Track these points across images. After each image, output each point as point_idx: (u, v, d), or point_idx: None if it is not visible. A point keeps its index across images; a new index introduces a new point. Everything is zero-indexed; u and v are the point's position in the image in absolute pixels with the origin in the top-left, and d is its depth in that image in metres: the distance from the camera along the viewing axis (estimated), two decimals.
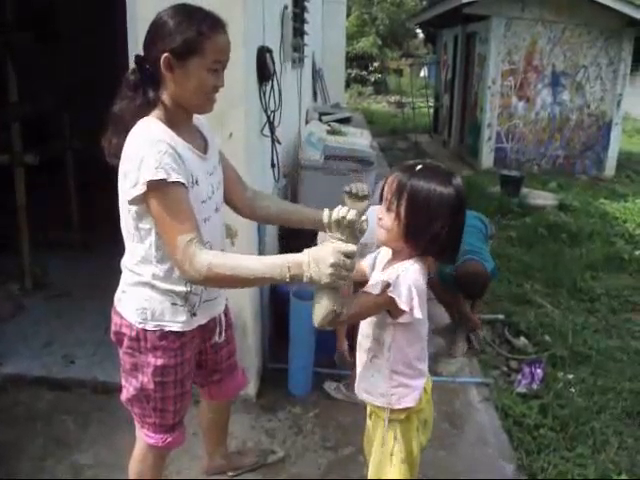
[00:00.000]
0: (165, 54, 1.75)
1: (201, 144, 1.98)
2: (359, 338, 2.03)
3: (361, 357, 2.03)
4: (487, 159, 11.14)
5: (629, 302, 5.25)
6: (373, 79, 27.79)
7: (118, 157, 1.81)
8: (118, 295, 2.03)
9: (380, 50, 28.21)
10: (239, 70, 2.76)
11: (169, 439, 2.15)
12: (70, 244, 5.13)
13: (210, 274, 1.68)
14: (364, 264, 2.07)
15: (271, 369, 3.58)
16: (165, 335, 1.96)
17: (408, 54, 28.90)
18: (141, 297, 1.94)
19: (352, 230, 1.67)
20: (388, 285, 1.76)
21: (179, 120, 1.87)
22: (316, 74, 8.69)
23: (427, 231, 1.76)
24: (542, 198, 8.59)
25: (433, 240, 1.76)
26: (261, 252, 3.32)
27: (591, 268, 5.99)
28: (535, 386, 3.69)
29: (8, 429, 3.06)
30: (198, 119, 2.04)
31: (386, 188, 1.83)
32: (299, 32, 5.31)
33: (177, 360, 2.01)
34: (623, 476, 2.96)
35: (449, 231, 1.77)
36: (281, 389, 3.47)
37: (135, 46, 2.82)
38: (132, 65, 1.90)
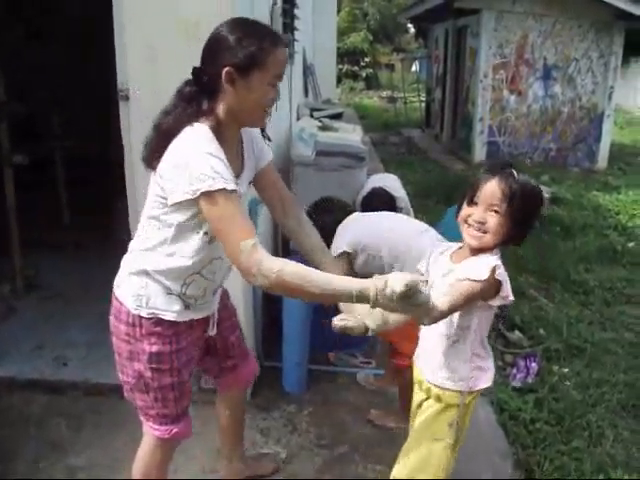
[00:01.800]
0: (227, 68, 1.76)
1: (238, 166, 1.97)
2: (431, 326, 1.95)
3: (437, 344, 2.03)
4: (479, 153, 11.15)
5: (623, 294, 5.26)
6: (365, 74, 27.79)
7: (156, 163, 1.82)
8: (117, 281, 2.05)
9: (371, 45, 28.21)
10: None
11: (175, 430, 2.15)
12: (61, 244, 5.09)
13: (279, 281, 1.68)
14: (419, 268, 2.13)
15: (265, 367, 3.56)
16: (159, 322, 1.98)
17: (399, 49, 28.91)
18: (138, 284, 1.97)
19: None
20: (494, 269, 1.83)
21: (227, 135, 1.88)
22: (307, 70, 8.64)
23: (529, 228, 1.94)
24: None
25: (527, 233, 1.95)
26: None
27: (584, 260, 6.00)
28: (530, 380, 3.69)
29: (0, 433, 3.03)
30: (250, 133, 2.07)
31: (488, 193, 1.87)
32: (289, 28, 5.27)
33: (172, 347, 2.02)
34: (619, 470, 2.95)
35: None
36: (276, 387, 3.45)
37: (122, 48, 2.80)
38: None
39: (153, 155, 1.83)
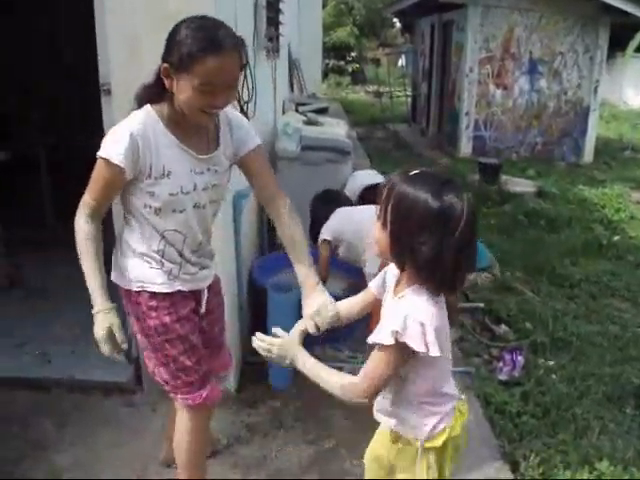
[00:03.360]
0: (164, 64, 1.87)
1: (203, 145, 2.08)
2: None
3: (386, 393, 1.82)
4: (466, 147, 11.18)
5: (608, 287, 5.28)
6: (351, 69, 27.74)
7: None
8: (113, 269, 2.21)
9: (357, 40, 28.15)
10: None
11: (204, 393, 2.25)
12: (45, 242, 5.04)
13: (76, 235, 2.13)
14: (372, 286, 1.94)
15: (251, 363, 3.54)
16: (153, 295, 2.12)
17: (385, 44, 28.88)
18: (123, 262, 2.16)
19: None
20: (396, 332, 1.58)
21: (182, 120, 1.98)
22: (292, 65, 8.62)
23: (407, 244, 1.57)
24: (521, 185, 8.63)
25: (413, 257, 1.57)
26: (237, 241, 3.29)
27: (570, 254, 6.02)
28: (516, 373, 3.69)
29: None
30: (229, 120, 2.17)
31: (381, 193, 1.66)
32: (274, 22, 5.24)
33: (172, 317, 2.15)
34: (604, 461, 2.96)
35: (437, 253, 1.53)
36: (261, 383, 3.43)
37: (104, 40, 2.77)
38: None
39: None
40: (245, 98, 3.41)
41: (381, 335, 1.62)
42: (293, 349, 1.85)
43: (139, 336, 2.23)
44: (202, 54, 1.79)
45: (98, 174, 1.99)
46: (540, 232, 6.77)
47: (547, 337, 4.19)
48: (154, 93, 1.98)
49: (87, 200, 2.04)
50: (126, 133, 1.92)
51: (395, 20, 25.95)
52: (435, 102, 13.08)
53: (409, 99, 15.69)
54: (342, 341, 3.81)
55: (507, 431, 3.18)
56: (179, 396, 2.25)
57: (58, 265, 4.71)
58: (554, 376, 3.74)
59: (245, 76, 3.38)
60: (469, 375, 3.68)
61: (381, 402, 1.85)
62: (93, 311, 2.05)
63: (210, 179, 2.11)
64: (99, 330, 2.05)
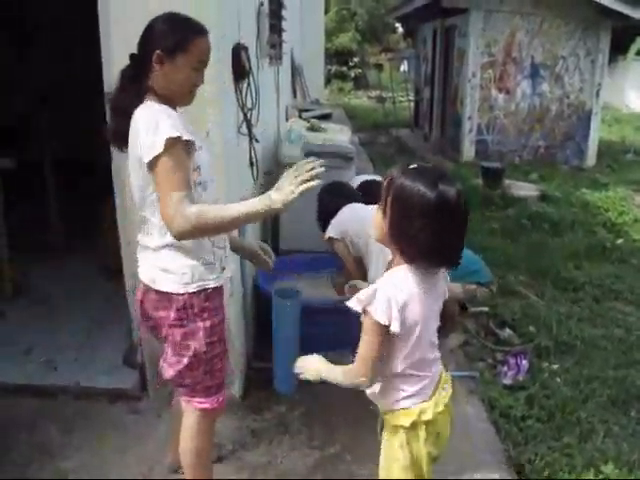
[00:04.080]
0: (157, 51, 2.03)
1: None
2: None
3: None
4: (468, 151, 11.17)
5: (612, 290, 5.27)
6: (353, 74, 27.74)
7: (123, 141, 2.11)
8: (152, 276, 2.16)
9: (360, 45, 28.16)
10: (214, 68, 2.71)
11: (220, 398, 2.33)
12: (50, 248, 5.06)
13: (200, 220, 1.91)
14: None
15: (256, 369, 3.55)
16: (208, 296, 2.16)
17: (388, 49, 28.85)
18: (179, 270, 2.11)
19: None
20: (362, 301, 1.79)
21: (167, 104, 2.10)
22: (295, 71, 8.65)
23: (408, 231, 1.74)
24: (524, 189, 8.62)
25: (414, 240, 1.74)
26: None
27: (574, 258, 6.02)
28: (521, 377, 3.70)
29: None
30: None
31: (382, 185, 1.85)
32: (276, 29, 5.27)
33: (220, 318, 2.24)
34: (609, 464, 2.96)
35: (433, 234, 1.71)
36: (266, 389, 3.45)
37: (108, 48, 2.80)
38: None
39: (116, 135, 2.15)
40: (249, 105, 3.43)
41: (352, 301, 1.81)
42: (315, 365, 2.05)
43: (173, 343, 2.19)
44: (197, 35, 2.07)
45: (175, 162, 1.94)
46: (544, 236, 6.76)
47: (551, 341, 4.19)
48: (138, 93, 2.09)
49: (177, 197, 1.91)
50: (170, 113, 2.02)
51: (397, 25, 25.97)
52: (438, 107, 13.07)
53: (412, 104, 15.69)
54: (346, 347, 3.81)
55: (512, 435, 3.18)
56: (196, 399, 2.28)
57: (63, 271, 4.75)
58: (558, 380, 3.74)
59: (248, 83, 3.41)
60: (473, 379, 3.68)
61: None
62: (266, 204, 1.95)
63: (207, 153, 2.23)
64: (282, 193, 1.95)
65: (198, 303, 2.14)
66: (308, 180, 1.95)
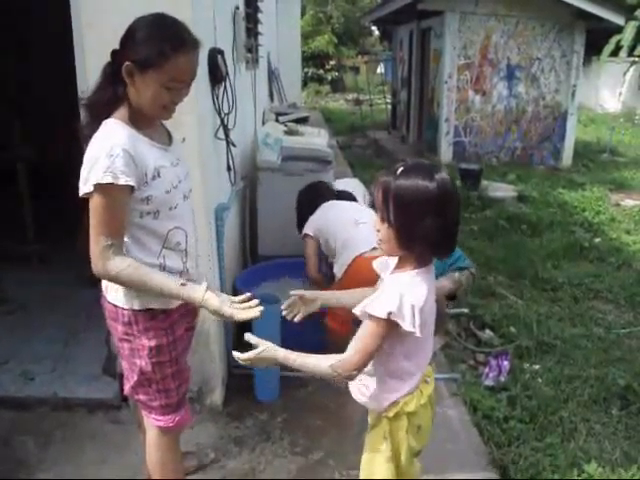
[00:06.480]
0: (127, 63, 1.85)
1: (165, 138, 2.11)
2: None
3: None
4: (446, 153, 11.23)
5: (591, 289, 5.32)
6: (330, 77, 27.83)
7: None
8: (105, 285, 2.09)
9: (336, 48, 28.23)
10: None
11: (177, 418, 2.24)
12: (25, 257, 4.98)
13: (120, 277, 1.89)
14: (375, 265, 2.01)
15: (237, 376, 3.51)
16: (154, 315, 2.05)
17: (364, 51, 28.96)
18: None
19: None
20: (390, 312, 1.72)
21: (142, 118, 1.96)
22: (272, 74, 8.63)
23: (419, 230, 1.70)
24: (501, 190, 8.67)
25: (426, 238, 1.71)
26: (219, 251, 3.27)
27: (552, 257, 6.06)
28: (502, 378, 3.70)
29: None
30: None
31: (377, 203, 1.79)
32: (252, 33, 5.24)
33: (169, 339, 2.10)
34: (592, 463, 2.97)
35: (440, 226, 1.70)
36: (248, 396, 3.41)
37: (82, 55, 2.75)
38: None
39: (88, 138, 1.91)
40: (225, 110, 3.40)
41: (376, 308, 1.74)
42: (272, 351, 1.93)
43: (124, 356, 2.14)
44: (173, 52, 1.84)
45: (105, 206, 1.84)
46: (522, 236, 6.81)
47: (532, 341, 4.20)
48: (111, 99, 1.93)
49: (104, 244, 1.86)
50: (116, 150, 1.82)
51: (374, 28, 26.10)
52: (415, 109, 13.13)
53: (389, 106, 15.74)
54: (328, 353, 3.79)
55: (495, 436, 3.18)
56: (152, 415, 2.22)
57: (39, 280, 4.68)
58: (540, 380, 3.75)
59: (225, 87, 3.37)
60: (455, 381, 3.67)
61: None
62: (197, 301, 1.93)
63: (183, 168, 2.13)
64: (215, 303, 1.93)
65: (143, 321, 2.04)
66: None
